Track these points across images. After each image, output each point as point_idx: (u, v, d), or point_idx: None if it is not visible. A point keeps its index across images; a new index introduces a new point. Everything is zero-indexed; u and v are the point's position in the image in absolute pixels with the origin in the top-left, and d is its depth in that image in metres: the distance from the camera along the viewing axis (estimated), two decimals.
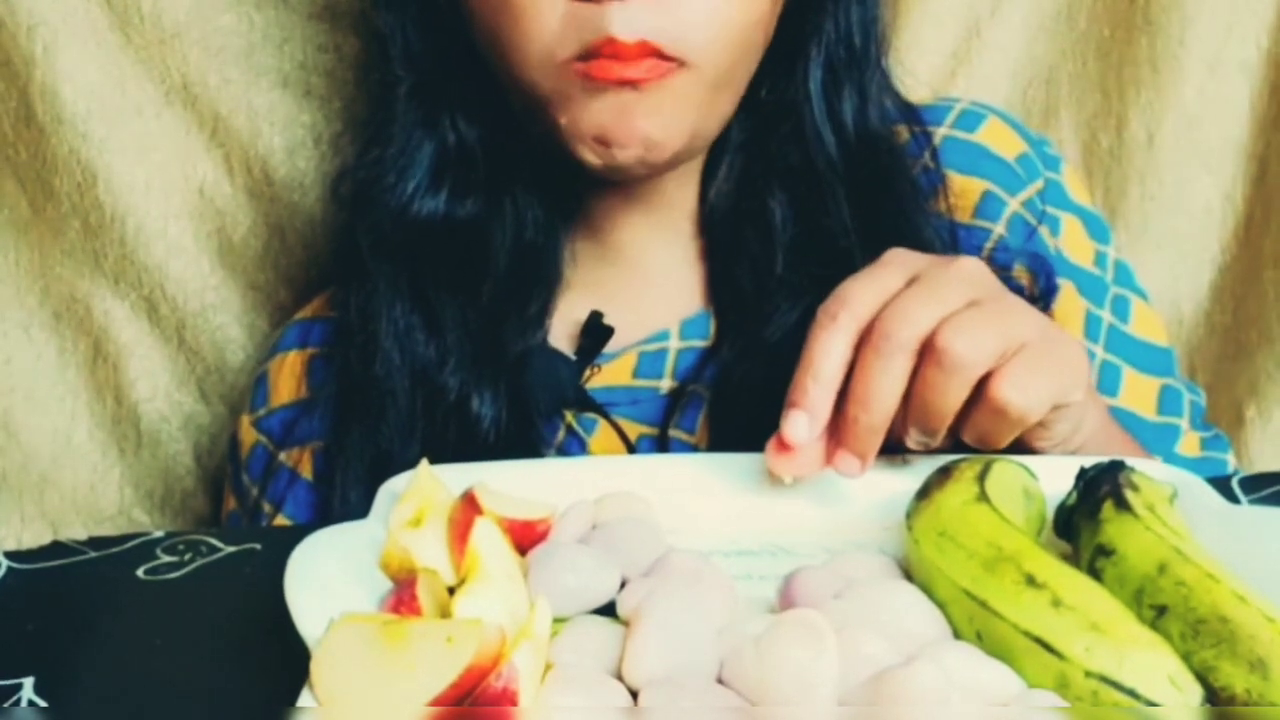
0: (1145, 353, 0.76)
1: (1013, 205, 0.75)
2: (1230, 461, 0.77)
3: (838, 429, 0.54)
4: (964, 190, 0.75)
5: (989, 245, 0.74)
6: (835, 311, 0.54)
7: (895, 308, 0.53)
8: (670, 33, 0.63)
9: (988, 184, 0.75)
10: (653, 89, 0.64)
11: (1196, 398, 0.79)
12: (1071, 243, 0.76)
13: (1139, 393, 0.75)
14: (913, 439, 0.54)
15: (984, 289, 0.55)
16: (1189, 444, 0.76)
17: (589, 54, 0.63)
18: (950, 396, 0.52)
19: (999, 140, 0.77)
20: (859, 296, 0.54)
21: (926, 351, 0.52)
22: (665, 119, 0.65)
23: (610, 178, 0.70)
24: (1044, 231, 0.75)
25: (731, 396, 0.70)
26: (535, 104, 0.67)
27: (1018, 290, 0.70)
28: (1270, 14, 0.91)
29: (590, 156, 0.67)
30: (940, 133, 0.76)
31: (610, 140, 0.65)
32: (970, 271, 0.55)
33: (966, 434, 0.54)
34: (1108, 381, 0.75)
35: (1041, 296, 0.73)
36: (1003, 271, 0.70)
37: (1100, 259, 0.77)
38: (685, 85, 0.65)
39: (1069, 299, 0.75)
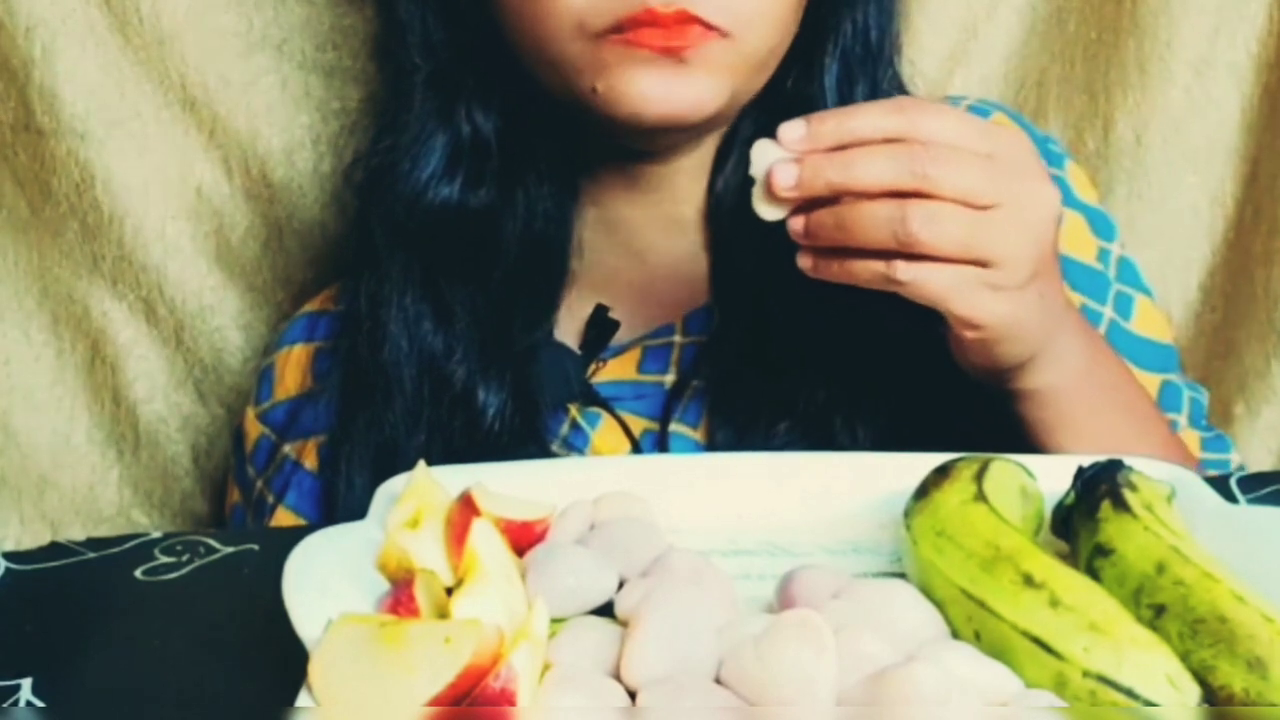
0: (1146, 349, 0.76)
1: None
2: (1233, 461, 0.77)
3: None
4: None
5: None
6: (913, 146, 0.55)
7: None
8: (709, 3, 0.64)
9: None
10: (693, 57, 0.65)
11: (1198, 395, 0.79)
12: (1074, 239, 0.76)
13: None
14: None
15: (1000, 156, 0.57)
16: (1187, 442, 0.76)
17: (625, 25, 0.64)
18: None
19: None
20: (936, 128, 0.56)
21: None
22: (704, 86, 0.66)
23: (636, 144, 0.71)
24: None
25: (732, 389, 0.71)
26: (566, 75, 0.67)
27: None
28: (1260, 18, 0.91)
29: (626, 118, 0.66)
30: None
31: (649, 103, 0.65)
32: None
33: (903, 284, 0.57)
34: None
35: None
36: None
37: (1103, 255, 0.77)
38: (725, 53, 0.66)
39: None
